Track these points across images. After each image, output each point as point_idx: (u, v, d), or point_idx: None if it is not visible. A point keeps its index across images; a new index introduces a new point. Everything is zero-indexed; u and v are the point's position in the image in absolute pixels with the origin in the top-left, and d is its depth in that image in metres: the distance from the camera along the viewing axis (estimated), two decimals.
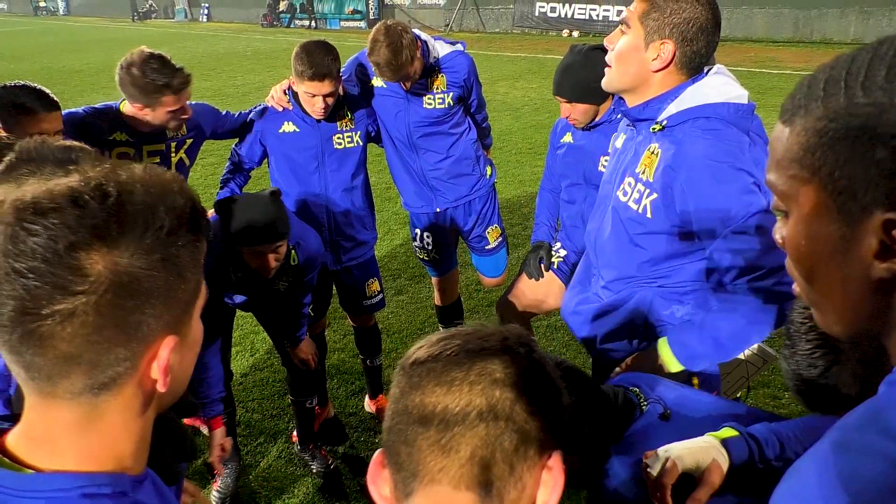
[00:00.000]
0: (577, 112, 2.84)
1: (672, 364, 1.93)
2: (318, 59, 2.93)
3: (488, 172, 3.70)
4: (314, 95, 3.00)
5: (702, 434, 1.42)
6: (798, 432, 1.44)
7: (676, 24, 1.82)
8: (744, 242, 1.77)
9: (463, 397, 0.84)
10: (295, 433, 3.44)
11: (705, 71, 1.92)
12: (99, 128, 2.91)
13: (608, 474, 1.55)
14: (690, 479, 1.36)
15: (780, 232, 0.83)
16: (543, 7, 21.50)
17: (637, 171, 1.96)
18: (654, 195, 1.89)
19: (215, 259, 2.73)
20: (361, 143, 3.30)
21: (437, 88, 3.36)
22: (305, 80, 2.97)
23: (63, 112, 2.65)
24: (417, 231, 3.80)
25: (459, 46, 3.45)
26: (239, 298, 2.96)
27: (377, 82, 3.38)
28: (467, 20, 22.93)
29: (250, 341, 4.47)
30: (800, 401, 1.44)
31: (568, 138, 3.06)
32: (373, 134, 3.42)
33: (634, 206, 1.95)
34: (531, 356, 0.89)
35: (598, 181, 2.95)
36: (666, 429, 1.53)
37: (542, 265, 3.17)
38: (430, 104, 3.37)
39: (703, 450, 1.37)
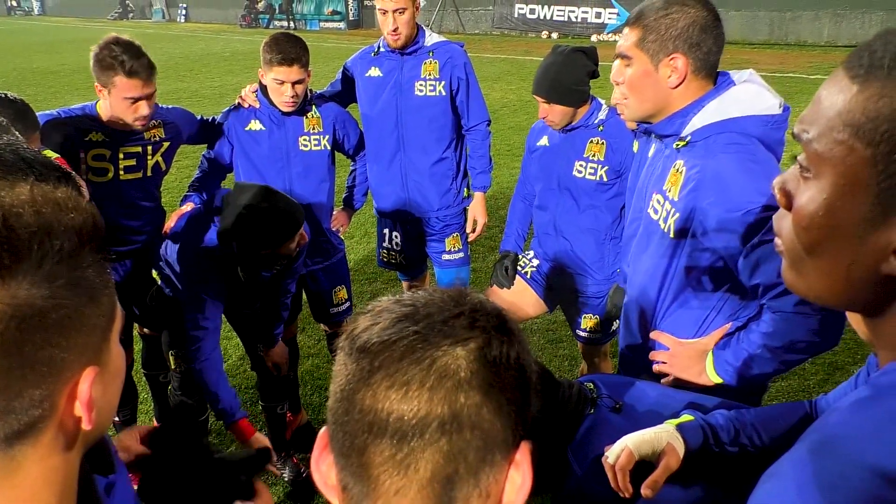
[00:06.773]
0: (554, 113, 2.84)
1: (712, 374, 1.86)
2: (287, 46, 2.96)
3: (465, 193, 3.68)
4: (282, 83, 2.98)
5: (660, 423, 1.45)
6: (756, 420, 1.47)
7: (676, 35, 1.76)
8: (760, 258, 1.66)
9: (422, 406, 0.71)
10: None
11: (735, 80, 1.83)
12: (75, 128, 2.86)
13: (568, 474, 1.56)
14: (651, 467, 1.38)
15: (784, 185, 0.75)
16: (523, 9, 21.54)
17: (664, 188, 1.90)
18: (677, 215, 1.83)
19: (222, 267, 2.64)
20: (328, 148, 3.28)
21: (430, 74, 3.35)
22: (274, 66, 2.96)
23: (39, 114, 2.61)
24: (386, 231, 3.79)
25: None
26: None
27: (374, 72, 3.39)
28: (447, 21, 22.91)
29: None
30: None
31: (544, 141, 3.05)
32: (340, 141, 3.38)
33: (662, 225, 1.90)
34: (507, 339, 0.76)
35: (570, 185, 2.95)
36: (620, 422, 1.55)
37: (508, 273, 3.18)
38: (421, 91, 3.37)
39: (657, 436, 1.40)
